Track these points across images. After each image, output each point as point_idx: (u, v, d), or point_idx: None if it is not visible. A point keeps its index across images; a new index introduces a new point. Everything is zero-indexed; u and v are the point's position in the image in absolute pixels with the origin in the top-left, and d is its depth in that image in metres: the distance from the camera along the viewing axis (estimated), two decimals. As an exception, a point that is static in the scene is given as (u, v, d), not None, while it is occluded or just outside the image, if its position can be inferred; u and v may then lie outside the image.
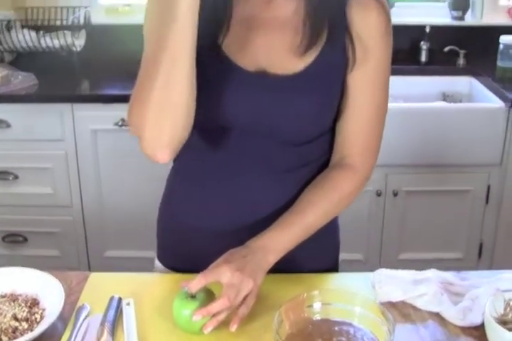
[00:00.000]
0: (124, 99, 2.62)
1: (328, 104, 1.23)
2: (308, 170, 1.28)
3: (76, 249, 2.84)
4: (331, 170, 1.28)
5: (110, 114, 2.56)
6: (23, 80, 2.71)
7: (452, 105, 2.86)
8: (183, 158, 1.29)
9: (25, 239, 2.83)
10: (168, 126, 1.09)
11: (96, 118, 2.62)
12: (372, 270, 1.27)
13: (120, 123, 2.55)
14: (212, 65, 1.18)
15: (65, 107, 2.60)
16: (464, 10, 3.17)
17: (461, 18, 3.18)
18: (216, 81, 1.17)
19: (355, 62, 1.21)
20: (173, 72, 1.06)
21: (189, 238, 1.32)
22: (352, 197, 1.27)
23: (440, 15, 3.23)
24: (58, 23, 2.98)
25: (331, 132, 1.28)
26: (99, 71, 3.00)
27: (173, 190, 1.37)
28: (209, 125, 1.21)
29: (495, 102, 2.68)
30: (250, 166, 1.25)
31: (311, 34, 1.18)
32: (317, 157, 1.29)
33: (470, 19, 3.20)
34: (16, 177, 2.72)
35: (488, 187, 2.72)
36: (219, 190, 1.27)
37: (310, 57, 1.19)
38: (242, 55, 1.19)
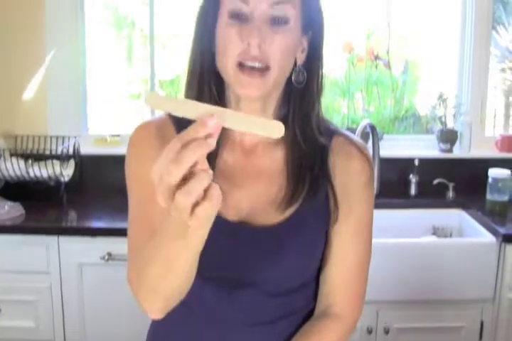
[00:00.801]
0: (110, 232, 2.73)
1: (311, 254, 1.26)
2: (292, 320, 1.29)
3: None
4: (316, 320, 1.30)
5: (97, 247, 2.64)
6: (9, 210, 2.80)
7: (442, 240, 2.95)
8: None
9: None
10: (163, 297, 1.11)
11: (82, 251, 2.67)
12: None
13: (106, 258, 2.62)
14: None
15: (51, 239, 2.67)
16: (452, 142, 3.33)
17: (450, 151, 3.33)
18: None
19: (337, 214, 1.26)
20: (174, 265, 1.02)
21: None
22: None
23: (428, 148, 3.39)
24: (47, 152, 3.13)
25: (315, 281, 1.32)
26: (87, 202, 3.10)
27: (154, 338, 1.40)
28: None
29: (485, 236, 2.76)
30: (231, 318, 1.26)
31: (293, 188, 1.24)
32: (301, 307, 1.31)
33: (458, 152, 3.35)
34: (-1, 309, 2.75)
35: (482, 323, 2.74)
36: None
37: (291, 209, 1.24)
38: (224, 204, 1.16)
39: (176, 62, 4.87)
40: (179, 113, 0.86)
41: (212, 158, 1.23)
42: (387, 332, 2.70)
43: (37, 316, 2.76)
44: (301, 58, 1.24)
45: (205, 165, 0.85)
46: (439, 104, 3.33)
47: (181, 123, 1.17)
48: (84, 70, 3.45)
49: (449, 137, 3.33)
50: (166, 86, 4.93)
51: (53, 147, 3.18)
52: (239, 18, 1.15)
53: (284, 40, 1.16)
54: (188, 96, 1.24)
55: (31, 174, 3.06)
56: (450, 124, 3.37)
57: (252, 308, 1.25)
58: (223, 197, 1.15)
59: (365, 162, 1.30)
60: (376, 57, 3.51)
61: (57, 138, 3.21)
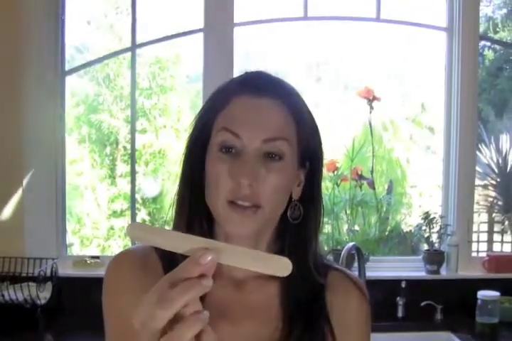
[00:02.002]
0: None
1: None
2: None
3: None
4: None
5: None
6: (-18, 336, 2.80)
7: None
8: None
9: None
10: None
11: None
12: None
13: None
14: None
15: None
16: (439, 263, 3.37)
17: (437, 272, 3.37)
18: None
19: None
20: None
21: None
22: None
23: (415, 270, 3.43)
24: (24, 274, 3.12)
25: None
26: (64, 327, 3.07)
27: None
28: None
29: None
30: None
31: (289, 331, 1.18)
32: None
33: (445, 273, 3.40)
34: None
35: None
36: None
37: None
38: None
39: (159, 180, 4.99)
40: (167, 247, 0.81)
41: None
42: None
43: None
44: (297, 192, 1.21)
45: (198, 306, 0.80)
46: (425, 225, 3.40)
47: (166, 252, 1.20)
48: (64, 188, 3.52)
49: (435, 258, 3.38)
50: (149, 204, 5.02)
51: (30, 269, 3.18)
52: (229, 152, 1.12)
53: (278, 179, 1.13)
54: (177, 224, 1.20)
55: (6, 297, 3.05)
56: (436, 244, 3.43)
57: None
58: (218, 330, 1.11)
59: (364, 299, 1.27)
60: (360, 177, 3.60)
61: (34, 259, 3.22)
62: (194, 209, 1.19)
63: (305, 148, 1.19)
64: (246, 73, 1.23)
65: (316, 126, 1.23)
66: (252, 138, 1.12)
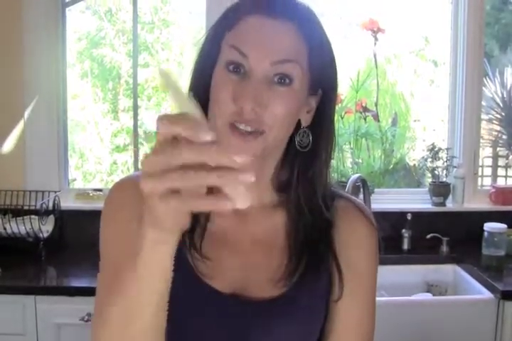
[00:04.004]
0: (90, 292, 2.63)
1: (309, 330, 1.18)
2: None
3: None
4: None
5: (76, 307, 2.53)
6: (-16, 268, 2.71)
7: (439, 298, 2.88)
8: None
9: None
10: None
11: (60, 311, 2.57)
12: None
13: (86, 319, 2.51)
14: (183, 284, 1.07)
15: (27, 299, 2.57)
16: (445, 196, 3.29)
17: (443, 204, 3.29)
18: (187, 302, 1.11)
19: (342, 291, 1.17)
20: (129, 328, 0.94)
21: None
22: None
23: (421, 202, 3.35)
24: (26, 207, 3.04)
25: None
26: (67, 259, 3.01)
27: None
28: None
29: (482, 292, 2.69)
30: None
31: (295, 266, 1.14)
32: None
33: (452, 205, 3.31)
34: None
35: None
36: None
37: (289, 282, 1.14)
38: (215, 275, 1.14)
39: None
40: (178, 104, 0.75)
41: (202, 221, 1.15)
42: None
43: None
44: (306, 119, 1.14)
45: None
46: (431, 157, 3.28)
47: None
48: (66, 122, 3.38)
49: (441, 190, 3.29)
50: (152, 138, 4.90)
51: (32, 202, 3.09)
52: (236, 71, 1.05)
53: (284, 104, 1.06)
54: None
55: (8, 230, 2.97)
56: (442, 177, 3.32)
57: None
58: (214, 265, 1.14)
59: (373, 229, 1.22)
60: (365, 109, 3.48)
61: (36, 192, 3.13)
62: None
63: (318, 74, 1.11)
64: None
65: (333, 55, 1.14)
66: (260, 59, 1.04)
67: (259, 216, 1.19)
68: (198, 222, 1.15)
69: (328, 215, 1.17)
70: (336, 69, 1.15)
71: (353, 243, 1.19)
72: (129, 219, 1.08)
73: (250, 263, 1.17)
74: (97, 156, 4.83)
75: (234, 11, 1.11)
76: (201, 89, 1.10)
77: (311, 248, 1.16)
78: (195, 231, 1.14)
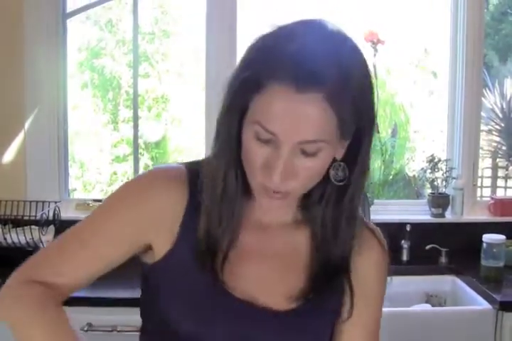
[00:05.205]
0: (91, 301, 2.64)
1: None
2: None
3: None
4: None
5: (76, 317, 2.51)
6: (-16, 279, 2.72)
7: (437, 309, 2.88)
8: None
9: None
10: None
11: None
12: None
13: (86, 328, 2.52)
14: (204, 289, 1.15)
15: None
16: (444, 207, 3.30)
17: (442, 216, 3.30)
18: (206, 306, 1.14)
19: (352, 310, 1.20)
20: None
21: None
22: None
23: (420, 213, 3.36)
24: (26, 218, 3.05)
25: None
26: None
27: None
28: None
29: (481, 304, 2.70)
30: None
31: (313, 286, 1.18)
32: None
33: (450, 216, 3.33)
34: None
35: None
36: None
37: (303, 298, 1.17)
38: (235, 279, 1.16)
39: (162, 125, 4.89)
40: None
41: (234, 237, 1.16)
42: None
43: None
44: (340, 154, 1.12)
45: None
46: (430, 168, 3.30)
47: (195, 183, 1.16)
48: (66, 132, 3.40)
49: (440, 202, 3.30)
50: (152, 148, 4.93)
51: (32, 212, 3.10)
52: (265, 141, 1.05)
53: (314, 170, 1.07)
54: (215, 162, 1.14)
55: (8, 240, 2.98)
56: (441, 188, 3.34)
57: None
58: (235, 272, 1.16)
59: (385, 255, 1.27)
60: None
61: (36, 202, 3.14)
62: (232, 163, 1.13)
63: (351, 129, 1.08)
64: (304, 42, 1.03)
65: (371, 99, 1.10)
66: (288, 139, 1.03)
67: (281, 231, 1.22)
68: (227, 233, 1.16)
69: (354, 243, 1.19)
70: (373, 107, 1.11)
71: (367, 268, 1.23)
72: (156, 210, 1.16)
73: (268, 276, 1.19)
74: (97, 167, 4.86)
75: (267, 63, 1.04)
76: (233, 135, 1.11)
77: (330, 269, 1.19)
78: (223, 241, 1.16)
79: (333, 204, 1.16)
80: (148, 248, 1.19)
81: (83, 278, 1.18)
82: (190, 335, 1.13)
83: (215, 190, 1.13)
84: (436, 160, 3.33)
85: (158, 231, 1.16)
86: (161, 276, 1.17)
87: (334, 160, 1.11)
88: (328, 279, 1.19)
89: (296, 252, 1.21)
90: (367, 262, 1.23)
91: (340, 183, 1.13)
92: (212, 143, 1.14)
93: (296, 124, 1.01)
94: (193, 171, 1.18)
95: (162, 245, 1.16)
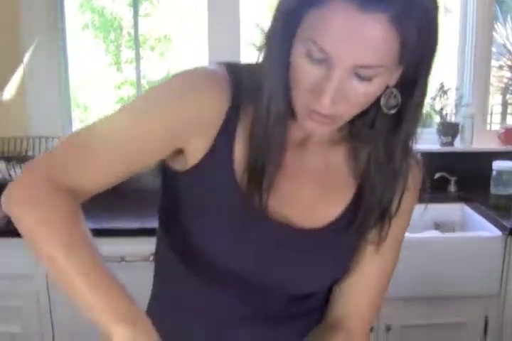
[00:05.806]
0: (99, 233, 2.66)
1: (344, 260, 1.21)
2: (302, 323, 1.26)
3: None
4: (326, 334, 1.24)
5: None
6: (-9, 213, 2.73)
7: (447, 235, 2.88)
8: (167, 296, 1.27)
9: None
10: None
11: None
12: None
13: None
14: (240, 208, 1.12)
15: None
16: (453, 135, 3.28)
17: (451, 144, 3.28)
18: (240, 225, 1.13)
19: (387, 233, 1.21)
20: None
21: None
22: None
23: (429, 142, 3.33)
24: (30, 153, 3.07)
25: None
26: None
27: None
28: (212, 269, 1.15)
29: (490, 230, 2.71)
30: (244, 316, 1.20)
31: (350, 200, 1.19)
32: (313, 309, 1.27)
33: (460, 145, 3.31)
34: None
35: (486, 319, 2.71)
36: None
37: (335, 213, 1.18)
38: (276, 197, 1.13)
39: (165, 64, 4.84)
40: None
41: (280, 159, 1.12)
42: (388, 329, 2.64)
43: (24, 321, 2.70)
44: (394, 80, 1.05)
45: None
46: (440, 96, 3.26)
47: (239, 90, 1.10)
48: (67, 71, 3.37)
49: (449, 130, 3.28)
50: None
51: (36, 148, 3.11)
52: (317, 61, 0.98)
53: (366, 97, 1.01)
54: (262, 79, 1.06)
55: (13, 176, 2.98)
56: (450, 117, 3.31)
57: (264, 308, 1.21)
58: (276, 189, 1.12)
59: (418, 169, 1.29)
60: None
61: (39, 138, 3.14)
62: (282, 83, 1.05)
63: (411, 58, 1.00)
64: None
65: (435, 26, 1.00)
66: (343, 61, 0.95)
67: (318, 150, 1.18)
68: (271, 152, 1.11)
69: (403, 172, 1.19)
70: (437, 31, 1.01)
71: (409, 200, 1.28)
72: (199, 117, 1.08)
73: (304, 193, 1.18)
74: (100, 108, 4.83)
75: None
76: (284, 54, 1.03)
77: (374, 199, 1.17)
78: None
79: (386, 133, 1.11)
80: (179, 152, 1.11)
81: (106, 182, 1.08)
82: (216, 253, 1.13)
83: (264, 109, 1.06)
84: (446, 88, 3.28)
85: (200, 132, 1.09)
86: (195, 180, 1.12)
87: (386, 86, 1.04)
88: (368, 207, 1.17)
89: (335, 171, 1.20)
90: (410, 194, 1.25)
91: (392, 111, 1.07)
92: (260, 58, 1.07)
93: (354, 46, 0.93)
94: (235, 78, 1.10)
95: (196, 150, 1.09)
